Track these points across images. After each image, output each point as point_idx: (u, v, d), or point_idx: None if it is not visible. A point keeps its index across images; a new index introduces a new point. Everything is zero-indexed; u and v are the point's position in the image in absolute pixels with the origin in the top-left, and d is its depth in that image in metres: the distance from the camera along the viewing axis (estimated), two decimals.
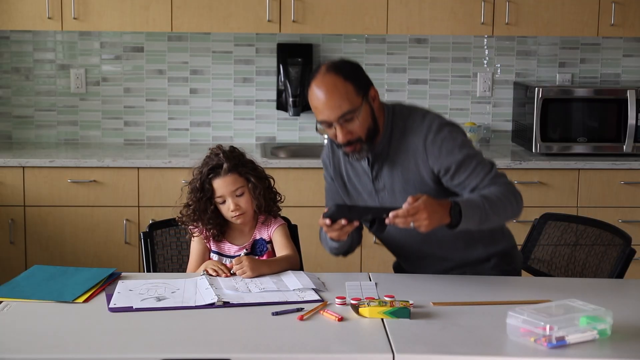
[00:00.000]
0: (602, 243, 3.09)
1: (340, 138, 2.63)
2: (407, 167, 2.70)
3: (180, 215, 2.93)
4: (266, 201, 2.90)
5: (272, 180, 2.97)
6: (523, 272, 3.12)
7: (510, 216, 2.64)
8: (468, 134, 4.77)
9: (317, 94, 2.62)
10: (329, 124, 2.63)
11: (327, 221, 2.54)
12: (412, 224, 2.45)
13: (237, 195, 2.86)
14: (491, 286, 2.63)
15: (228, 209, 2.87)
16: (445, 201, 2.51)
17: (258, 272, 2.69)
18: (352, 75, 2.66)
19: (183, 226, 2.98)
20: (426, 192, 2.63)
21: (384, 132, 2.72)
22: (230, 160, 2.87)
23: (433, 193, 2.62)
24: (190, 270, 2.91)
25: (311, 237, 4.15)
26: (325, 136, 2.90)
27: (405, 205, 2.45)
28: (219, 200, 2.87)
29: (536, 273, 3.14)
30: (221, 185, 2.86)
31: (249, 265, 2.68)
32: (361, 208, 2.65)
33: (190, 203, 2.89)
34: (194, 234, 2.93)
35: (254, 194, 2.87)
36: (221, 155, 2.88)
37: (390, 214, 2.45)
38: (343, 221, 2.54)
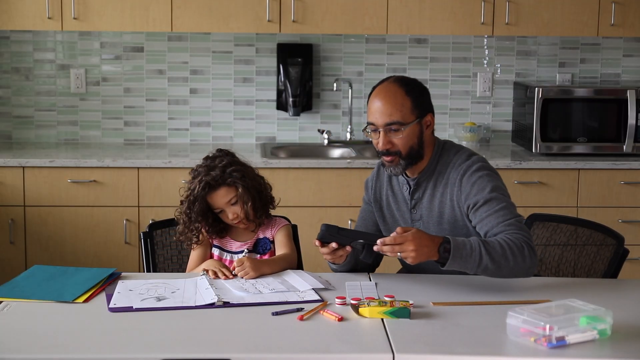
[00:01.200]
0: (594, 243, 3.09)
1: (380, 145, 2.71)
2: (444, 201, 2.75)
3: (179, 235, 2.93)
4: (256, 209, 2.90)
5: (263, 181, 2.97)
6: None
7: (517, 270, 2.54)
8: (468, 134, 4.83)
9: (376, 97, 2.72)
10: (375, 129, 2.71)
11: (317, 242, 2.60)
12: (399, 255, 2.44)
13: (232, 204, 2.87)
14: (491, 286, 2.63)
15: (228, 218, 2.88)
16: (438, 237, 2.50)
17: (260, 272, 2.70)
18: (414, 94, 2.73)
19: (186, 247, 2.98)
20: (459, 229, 2.70)
21: (429, 163, 2.77)
22: (217, 173, 2.85)
23: (464, 231, 2.68)
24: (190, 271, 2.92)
25: (311, 237, 4.13)
26: (376, 162, 2.96)
27: (393, 234, 2.45)
28: (217, 211, 2.89)
29: None
30: (214, 199, 2.87)
31: (250, 266, 2.69)
32: (351, 232, 2.61)
33: (191, 217, 2.88)
34: (194, 246, 2.94)
35: (242, 206, 2.86)
36: (207, 169, 2.86)
37: (379, 241, 2.45)
38: (334, 244, 2.57)
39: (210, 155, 2.93)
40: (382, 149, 2.71)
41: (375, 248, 2.47)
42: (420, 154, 2.74)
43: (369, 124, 2.73)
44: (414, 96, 2.71)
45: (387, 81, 2.76)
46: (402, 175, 2.80)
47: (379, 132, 2.70)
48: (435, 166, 2.77)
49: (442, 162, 2.77)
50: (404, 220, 2.83)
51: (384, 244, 2.44)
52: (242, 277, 2.67)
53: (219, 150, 2.94)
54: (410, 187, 2.80)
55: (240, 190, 2.85)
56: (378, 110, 2.70)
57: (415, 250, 2.43)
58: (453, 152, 2.78)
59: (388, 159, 2.73)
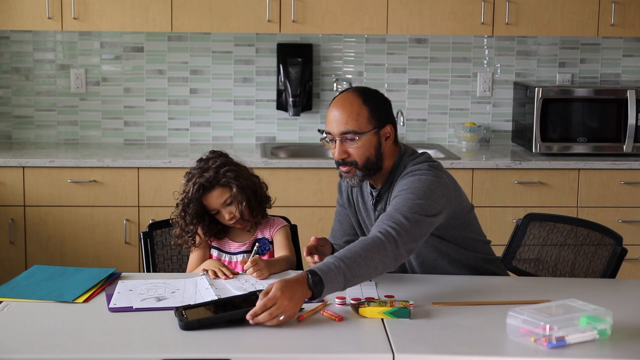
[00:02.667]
0: (592, 243, 3.09)
1: (336, 154, 2.69)
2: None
3: (176, 238, 2.93)
4: (251, 208, 2.90)
5: (258, 180, 2.97)
6: (515, 272, 3.12)
7: (387, 262, 2.43)
8: (468, 134, 4.83)
9: (333, 106, 2.70)
10: (332, 138, 2.69)
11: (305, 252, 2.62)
12: (281, 317, 2.23)
13: (227, 205, 2.87)
14: (491, 286, 2.63)
15: (224, 219, 2.88)
16: (299, 276, 2.32)
17: (270, 272, 2.71)
18: (373, 104, 2.69)
19: (185, 250, 2.98)
20: None
21: (390, 173, 2.74)
22: (210, 175, 2.85)
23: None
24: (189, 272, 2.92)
25: (311, 237, 4.15)
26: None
27: (258, 303, 2.23)
28: (213, 212, 2.89)
29: (521, 273, 3.12)
30: (209, 201, 2.87)
31: (265, 266, 2.69)
32: (213, 318, 2.26)
33: (186, 220, 2.88)
34: (193, 249, 2.94)
35: (237, 205, 2.86)
36: (200, 171, 2.87)
37: (248, 315, 2.22)
38: (316, 257, 2.61)
39: (204, 157, 2.93)
40: (338, 159, 2.69)
41: (251, 322, 2.23)
42: (378, 165, 2.70)
43: (326, 133, 2.71)
44: (372, 106, 2.68)
45: (346, 91, 2.73)
46: (369, 185, 2.79)
47: (336, 142, 2.68)
48: (394, 177, 2.73)
49: (399, 172, 2.73)
50: (372, 227, 2.81)
51: (256, 315, 2.22)
52: (257, 278, 2.66)
53: (212, 152, 2.95)
54: (373, 199, 2.79)
55: (234, 190, 2.85)
56: (334, 119, 2.67)
57: (291, 299, 2.24)
58: (410, 160, 2.73)
59: (344, 169, 2.70)
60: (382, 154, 2.70)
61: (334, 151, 2.70)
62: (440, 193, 2.63)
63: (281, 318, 2.23)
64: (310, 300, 2.35)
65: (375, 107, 2.69)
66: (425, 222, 2.55)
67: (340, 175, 2.78)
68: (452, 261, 2.78)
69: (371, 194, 2.80)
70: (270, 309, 2.22)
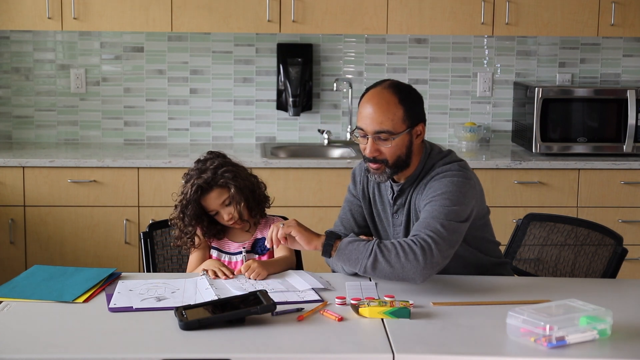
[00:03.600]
0: (592, 243, 3.09)
1: (368, 151, 2.65)
2: (418, 208, 2.70)
3: (175, 240, 2.93)
4: (250, 208, 2.90)
5: (256, 180, 2.97)
6: (515, 272, 3.12)
7: (407, 269, 2.46)
8: (468, 134, 4.83)
9: (368, 102, 2.64)
10: (364, 134, 2.65)
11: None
12: (282, 225, 2.55)
13: (226, 205, 2.87)
14: (491, 286, 2.63)
15: (223, 219, 2.88)
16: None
17: (268, 272, 2.70)
18: (408, 102, 2.65)
19: (184, 251, 2.98)
20: None
21: (415, 171, 2.72)
22: (208, 175, 2.85)
23: None
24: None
25: None
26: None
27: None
28: (212, 213, 2.89)
29: (521, 273, 3.13)
30: (208, 202, 2.87)
31: (260, 267, 2.69)
32: (214, 318, 2.26)
33: (185, 221, 2.88)
34: (192, 250, 2.94)
35: (236, 206, 2.86)
36: (198, 172, 2.87)
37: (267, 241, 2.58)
38: None
39: (202, 158, 2.93)
40: (370, 156, 2.66)
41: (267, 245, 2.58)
42: (407, 162, 2.68)
43: (358, 128, 2.66)
44: (407, 105, 2.64)
45: (381, 85, 2.67)
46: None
47: (368, 139, 2.64)
48: (419, 173, 2.72)
49: (426, 170, 2.71)
50: (387, 222, 2.81)
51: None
52: (255, 279, 2.66)
53: (210, 153, 2.94)
54: (393, 193, 2.76)
55: (232, 190, 2.85)
56: (369, 117, 2.62)
57: (301, 226, 2.55)
58: (438, 159, 2.72)
59: (374, 166, 2.67)
60: (412, 152, 2.68)
61: (365, 147, 2.66)
62: (471, 195, 2.64)
63: (282, 225, 2.52)
64: (323, 253, 2.52)
65: (411, 106, 2.65)
66: (461, 228, 2.58)
67: (368, 170, 2.73)
68: (466, 265, 2.77)
69: (392, 187, 2.76)
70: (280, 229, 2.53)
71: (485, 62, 4.97)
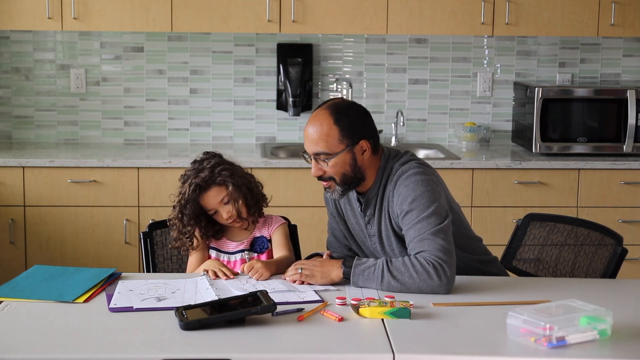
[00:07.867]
0: (592, 243, 3.09)
1: (312, 171, 2.71)
2: (391, 214, 2.72)
3: (174, 241, 2.93)
4: (248, 206, 2.90)
5: (253, 179, 2.97)
6: (515, 272, 3.12)
7: (424, 288, 2.51)
8: (468, 134, 4.83)
9: (308, 124, 2.70)
10: (308, 155, 2.71)
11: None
12: (301, 271, 2.61)
13: (225, 204, 2.87)
14: (491, 286, 2.63)
15: (222, 218, 2.88)
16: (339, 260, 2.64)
17: (271, 273, 2.70)
18: (344, 123, 2.65)
19: (182, 253, 2.98)
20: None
21: (375, 180, 2.73)
22: (206, 174, 2.85)
23: None
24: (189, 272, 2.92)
25: (311, 237, 4.16)
26: None
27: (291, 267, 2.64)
28: (211, 212, 2.89)
29: (521, 273, 3.13)
30: (206, 201, 2.87)
31: (263, 267, 2.69)
32: (214, 318, 2.26)
33: (183, 221, 2.88)
34: (191, 251, 2.93)
35: (234, 204, 2.87)
36: (196, 172, 2.87)
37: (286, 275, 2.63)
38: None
39: (198, 158, 2.93)
40: (314, 175, 2.71)
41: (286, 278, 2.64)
42: (357, 178, 2.70)
43: (303, 150, 2.73)
44: (343, 125, 2.64)
45: (321, 107, 2.71)
46: (355, 191, 2.77)
47: (312, 159, 2.70)
48: (380, 180, 2.73)
49: (386, 175, 2.73)
50: (362, 234, 2.82)
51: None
52: (258, 279, 2.66)
53: (206, 153, 2.95)
54: (361, 205, 2.79)
55: (230, 188, 2.85)
56: (307, 138, 2.68)
57: (322, 265, 2.62)
58: (395, 161, 2.73)
59: (324, 184, 2.72)
60: (360, 168, 2.69)
61: (311, 167, 2.72)
62: (439, 189, 2.67)
63: (300, 271, 2.59)
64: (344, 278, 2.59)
65: (347, 125, 2.65)
66: (448, 223, 2.61)
67: (325, 189, 2.77)
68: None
69: (358, 200, 2.79)
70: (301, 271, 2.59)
71: (485, 62, 4.97)
